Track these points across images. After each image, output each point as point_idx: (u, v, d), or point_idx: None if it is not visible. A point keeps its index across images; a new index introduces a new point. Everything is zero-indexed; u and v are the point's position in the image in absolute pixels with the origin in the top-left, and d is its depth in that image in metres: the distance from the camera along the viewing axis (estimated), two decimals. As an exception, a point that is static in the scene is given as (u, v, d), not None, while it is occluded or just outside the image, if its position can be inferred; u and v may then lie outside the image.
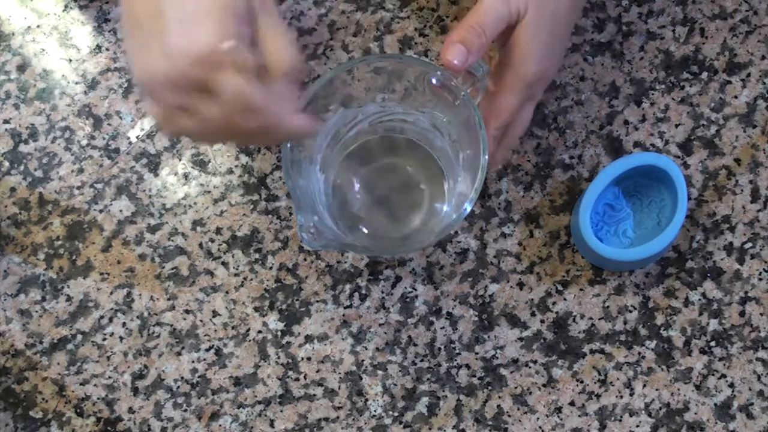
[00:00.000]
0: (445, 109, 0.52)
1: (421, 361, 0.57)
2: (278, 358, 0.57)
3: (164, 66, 0.40)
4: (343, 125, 0.55)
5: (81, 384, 0.58)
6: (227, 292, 0.58)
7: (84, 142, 0.61)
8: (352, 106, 0.53)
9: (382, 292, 0.58)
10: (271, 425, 0.57)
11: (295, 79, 0.42)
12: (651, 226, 0.56)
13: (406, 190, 0.57)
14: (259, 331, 0.58)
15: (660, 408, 0.55)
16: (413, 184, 0.56)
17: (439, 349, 0.57)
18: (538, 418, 0.56)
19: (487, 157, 0.48)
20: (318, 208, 0.52)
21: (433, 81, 0.50)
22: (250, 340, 0.58)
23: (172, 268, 0.59)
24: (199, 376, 0.58)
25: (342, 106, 0.53)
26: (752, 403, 0.55)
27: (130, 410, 0.57)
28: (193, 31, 0.39)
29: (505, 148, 0.54)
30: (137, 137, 0.61)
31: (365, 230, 0.56)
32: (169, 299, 0.59)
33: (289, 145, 0.49)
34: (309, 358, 0.57)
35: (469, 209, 0.48)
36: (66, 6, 0.63)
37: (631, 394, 0.56)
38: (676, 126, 0.59)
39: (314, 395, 0.57)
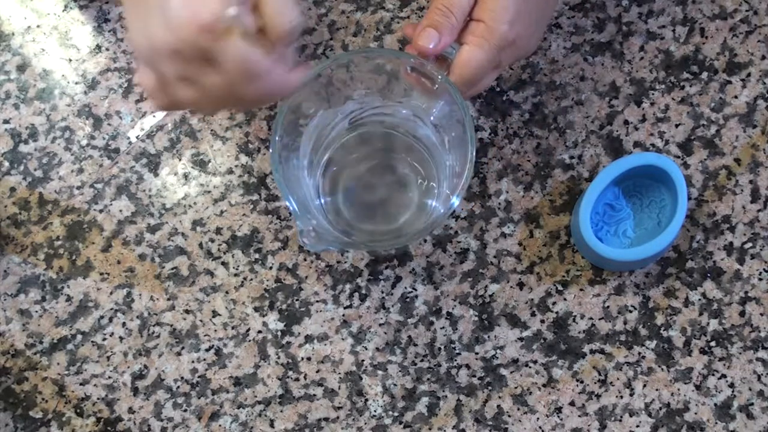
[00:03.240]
0: (425, 95, 0.52)
1: (421, 361, 0.57)
2: (278, 358, 0.57)
3: (168, 36, 0.40)
4: (323, 127, 0.55)
5: (81, 384, 0.58)
6: (227, 292, 0.59)
7: (84, 142, 0.61)
8: (330, 107, 0.53)
9: (382, 292, 0.58)
10: (271, 425, 0.57)
11: (294, 40, 0.42)
12: (651, 226, 0.56)
13: (392, 187, 0.57)
14: (259, 331, 0.58)
15: (660, 408, 0.55)
16: (399, 181, 0.57)
17: (439, 349, 0.57)
18: (538, 418, 0.56)
19: (474, 152, 0.48)
20: (312, 212, 0.52)
21: (408, 69, 0.50)
22: (250, 340, 0.58)
23: (172, 268, 0.59)
24: (199, 376, 0.58)
25: (321, 109, 0.53)
26: (752, 403, 0.55)
27: (130, 410, 0.57)
28: (197, 0, 0.39)
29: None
30: (137, 137, 0.61)
31: (357, 229, 0.56)
32: (169, 299, 0.59)
33: (276, 165, 0.49)
34: (309, 358, 0.57)
35: (456, 203, 0.48)
36: (66, 6, 0.63)
37: (631, 394, 0.56)
38: (676, 126, 0.59)
39: (314, 395, 0.57)
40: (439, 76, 0.49)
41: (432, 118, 0.54)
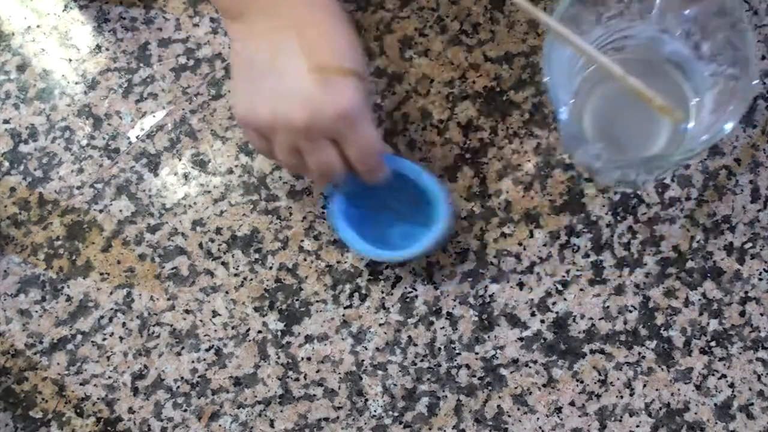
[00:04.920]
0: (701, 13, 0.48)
1: (421, 361, 0.57)
2: (278, 358, 0.57)
3: (303, 115, 0.46)
4: (572, 57, 0.51)
5: (81, 384, 0.58)
6: (227, 292, 0.59)
7: (84, 142, 0.61)
8: (582, 33, 0.49)
9: (382, 292, 0.58)
10: (271, 425, 0.57)
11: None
12: (418, 224, 0.56)
13: (640, 115, 0.52)
14: (259, 331, 0.58)
15: (660, 408, 0.55)
16: (648, 109, 0.49)
17: (439, 349, 0.57)
18: (538, 418, 0.56)
19: (757, 81, 0.44)
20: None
21: None
22: (250, 340, 0.58)
23: (172, 268, 0.59)
24: (199, 376, 0.58)
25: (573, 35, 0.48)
26: (752, 403, 0.55)
27: (130, 410, 0.57)
28: (336, 90, 0.46)
29: None
30: (137, 137, 0.61)
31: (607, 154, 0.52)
32: (169, 299, 0.59)
33: (548, 59, 0.46)
34: (309, 358, 0.57)
35: (728, 129, 0.44)
36: (66, 6, 0.64)
37: (631, 394, 0.56)
38: (676, 126, 0.59)
39: (314, 395, 0.57)
40: None
41: (686, 23, 0.49)
